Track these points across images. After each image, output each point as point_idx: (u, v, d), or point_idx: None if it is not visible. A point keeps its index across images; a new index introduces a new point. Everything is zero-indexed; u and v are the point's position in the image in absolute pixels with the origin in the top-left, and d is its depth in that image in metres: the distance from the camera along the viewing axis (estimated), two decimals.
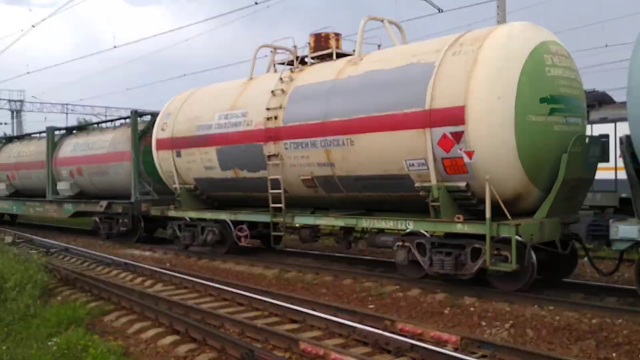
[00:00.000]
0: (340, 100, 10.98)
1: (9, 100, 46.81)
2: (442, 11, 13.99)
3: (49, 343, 6.96)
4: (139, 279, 11.92)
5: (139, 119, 17.94)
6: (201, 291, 10.37)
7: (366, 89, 10.63)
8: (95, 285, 10.71)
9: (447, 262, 9.38)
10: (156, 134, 15.36)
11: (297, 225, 12.71)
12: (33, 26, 20.93)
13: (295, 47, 13.24)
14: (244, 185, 13.33)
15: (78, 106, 47.76)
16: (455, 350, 6.52)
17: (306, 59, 12.90)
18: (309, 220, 12.23)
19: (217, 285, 10.25)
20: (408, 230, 10.10)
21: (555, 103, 9.28)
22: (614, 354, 6.49)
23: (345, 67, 11.47)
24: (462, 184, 9.38)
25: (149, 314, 8.62)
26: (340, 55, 12.36)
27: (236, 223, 13.71)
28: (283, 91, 12.18)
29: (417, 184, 9.90)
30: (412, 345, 6.50)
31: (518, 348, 6.42)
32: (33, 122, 65.54)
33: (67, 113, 47.67)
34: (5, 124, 48.85)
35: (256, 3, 15.10)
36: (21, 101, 47.40)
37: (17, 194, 24.42)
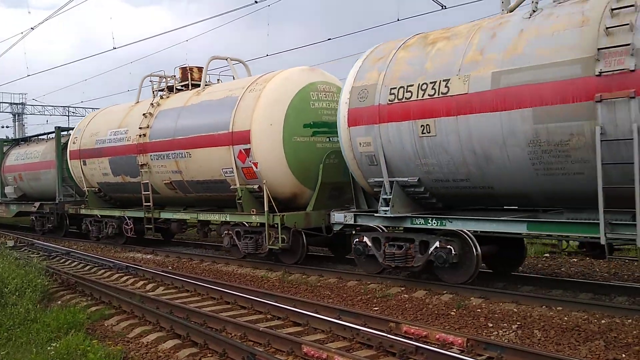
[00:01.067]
0: (183, 122, 14.45)
1: (11, 104, 46.82)
2: (445, 7, 13.85)
3: (49, 348, 6.85)
4: (141, 283, 11.81)
5: (64, 132, 21.63)
6: (203, 294, 10.25)
7: (199, 115, 14.10)
8: (95, 289, 10.61)
9: (250, 244, 12.88)
10: (70, 146, 19.06)
11: (165, 219, 15.90)
12: (32, 28, 20.79)
13: (166, 78, 16.64)
14: (130, 188, 16.79)
15: (80, 108, 47.67)
16: (461, 352, 6.40)
17: (176, 87, 16.37)
18: (169, 215, 15.67)
19: (219, 289, 10.14)
20: (235, 222, 13.43)
21: (317, 127, 12.69)
22: (623, 355, 6.35)
23: (192, 97, 14.93)
24: (256, 186, 12.72)
25: (149, 317, 8.51)
26: (196, 85, 15.64)
27: (128, 218, 16.86)
28: (151, 114, 15.67)
29: (231, 187, 13.19)
30: (417, 347, 6.38)
31: (525, 350, 6.28)
32: (35, 125, 65.65)
33: (68, 115, 47.61)
34: (7, 127, 48.84)
35: (255, 2, 14.96)
36: (23, 104, 47.40)
37: None
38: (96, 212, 18.27)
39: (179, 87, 16.22)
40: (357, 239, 10.77)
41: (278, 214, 12.07)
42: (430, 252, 9.63)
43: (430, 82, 9.37)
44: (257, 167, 12.44)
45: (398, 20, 16.15)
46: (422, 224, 9.87)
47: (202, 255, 14.87)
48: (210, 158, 13.46)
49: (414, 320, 8.10)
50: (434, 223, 9.70)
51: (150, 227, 15.86)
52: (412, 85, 9.60)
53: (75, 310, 8.68)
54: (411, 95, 9.59)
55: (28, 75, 36.38)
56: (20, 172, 23.66)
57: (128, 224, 16.68)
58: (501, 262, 10.65)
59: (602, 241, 7.71)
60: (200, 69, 15.93)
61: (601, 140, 7.52)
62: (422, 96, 9.44)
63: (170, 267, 13.73)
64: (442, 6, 13.83)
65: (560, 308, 8.04)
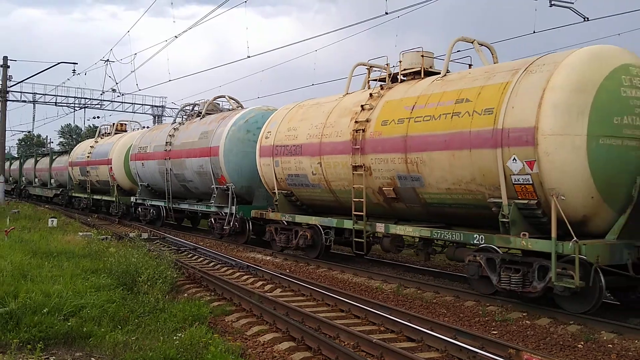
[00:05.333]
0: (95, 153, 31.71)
1: (152, 106, 50.44)
2: (588, 19, 13.01)
3: (174, 337, 7.23)
4: (260, 283, 12.21)
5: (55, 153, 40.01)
6: (318, 300, 10.39)
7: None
8: (219, 286, 11.11)
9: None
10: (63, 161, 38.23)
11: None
12: (176, 37, 22.43)
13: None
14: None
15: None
16: None
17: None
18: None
19: (334, 296, 10.22)
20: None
21: None
22: None
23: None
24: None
25: (267, 318, 8.77)
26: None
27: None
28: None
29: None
30: None
31: None
32: None
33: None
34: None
35: (386, 13, 14.96)
36: (162, 107, 50.89)
37: None
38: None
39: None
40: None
41: None
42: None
43: (145, 146, 24.19)
44: None
45: (534, 32, 15.44)
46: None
47: (319, 261, 15.08)
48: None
49: (536, 348, 7.66)
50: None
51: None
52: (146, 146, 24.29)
53: (199, 304, 9.12)
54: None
55: (169, 80, 39.24)
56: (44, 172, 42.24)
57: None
58: None
59: None
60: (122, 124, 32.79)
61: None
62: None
63: (287, 270, 14.06)
64: (584, 18, 12.98)
65: None
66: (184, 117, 23.34)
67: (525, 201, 9.50)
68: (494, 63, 12.15)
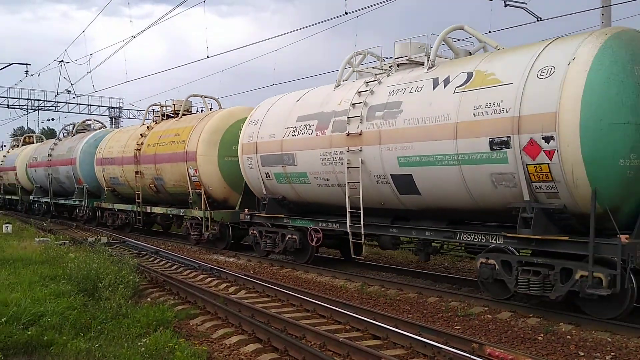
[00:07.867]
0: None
1: (109, 107, 49.47)
2: (541, 19, 13.31)
3: (139, 343, 7.12)
4: (224, 285, 12.13)
5: None
6: (283, 300, 10.39)
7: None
8: (182, 289, 11.00)
9: None
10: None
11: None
12: (133, 37, 22.12)
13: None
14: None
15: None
16: None
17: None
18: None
19: (299, 296, 10.24)
20: None
21: None
22: None
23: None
24: None
25: (232, 320, 8.72)
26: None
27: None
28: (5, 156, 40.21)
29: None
30: None
31: None
32: None
33: None
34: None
35: (346, 13, 15.04)
36: (119, 108, 49.96)
37: None
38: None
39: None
40: None
41: None
42: None
43: (36, 157, 31.87)
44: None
45: (490, 32, 15.73)
46: None
47: (282, 262, 15.08)
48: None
49: (498, 342, 7.83)
50: None
51: None
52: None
53: (163, 308, 8.99)
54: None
55: (127, 82, 38.45)
56: None
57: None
58: None
59: None
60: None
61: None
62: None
63: (251, 272, 14.00)
64: (537, 18, 13.28)
65: None
66: (64, 134, 31.93)
67: (197, 190, 17.84)
68: (218, 109, 20.18)
